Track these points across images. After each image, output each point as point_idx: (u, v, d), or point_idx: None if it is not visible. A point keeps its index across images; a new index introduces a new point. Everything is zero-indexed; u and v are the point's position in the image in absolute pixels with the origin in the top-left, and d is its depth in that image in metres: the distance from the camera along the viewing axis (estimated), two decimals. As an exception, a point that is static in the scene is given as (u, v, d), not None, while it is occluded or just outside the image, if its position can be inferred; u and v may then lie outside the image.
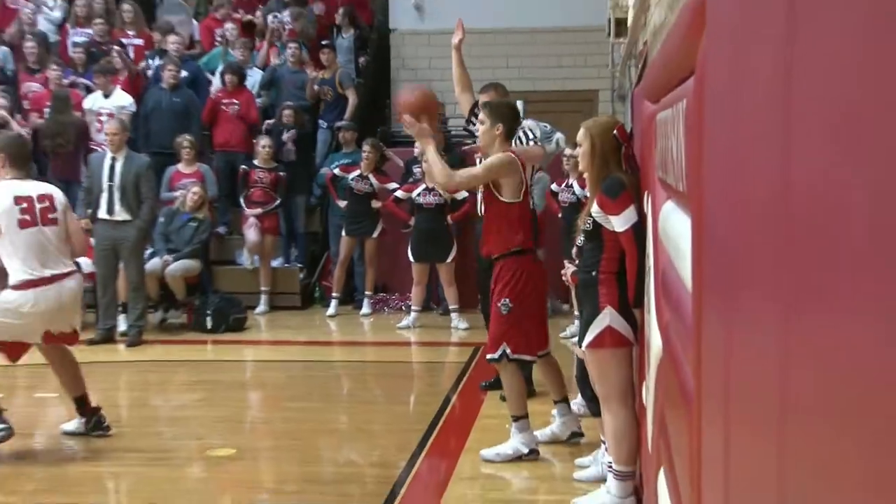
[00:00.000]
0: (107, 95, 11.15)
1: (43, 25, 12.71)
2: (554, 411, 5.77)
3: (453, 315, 9.72)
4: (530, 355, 5.48)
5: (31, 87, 11.67)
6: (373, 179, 10.41)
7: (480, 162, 5.71)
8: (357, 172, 10.46)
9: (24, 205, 5.62)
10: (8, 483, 5.25)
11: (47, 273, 5.64)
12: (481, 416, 6.35)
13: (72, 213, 6.01)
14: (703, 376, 1.93)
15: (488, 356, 5.43)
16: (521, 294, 5.34)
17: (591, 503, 4.56)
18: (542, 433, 5.63)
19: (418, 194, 9.91)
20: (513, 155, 5.40)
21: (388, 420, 6.49)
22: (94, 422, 6.03)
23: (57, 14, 12.88)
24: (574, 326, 7.05)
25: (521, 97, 9.22)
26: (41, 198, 5.72)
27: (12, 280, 5.59)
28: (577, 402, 6.08)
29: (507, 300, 5.30)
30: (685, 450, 2.17)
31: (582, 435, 5.71)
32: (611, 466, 4.53)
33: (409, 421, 6.40)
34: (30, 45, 12.00)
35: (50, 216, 5.72)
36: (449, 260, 9.74)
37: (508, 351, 5.33)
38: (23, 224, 5.60)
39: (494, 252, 5.40)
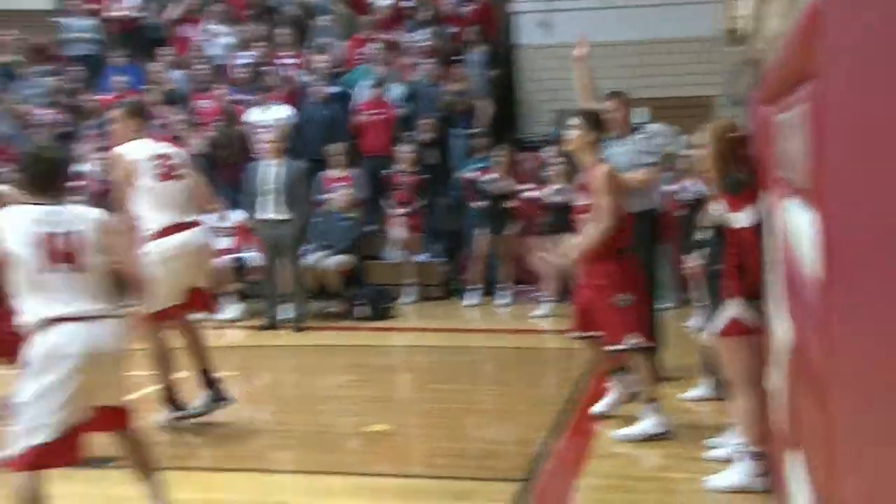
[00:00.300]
0: (267, 110, 11.53)
1: (212, 50, 13.20)
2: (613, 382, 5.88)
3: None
4: (651, 342, 5.51)
5: (202, 104, 12.14)
6: (505, 181, 10.49)
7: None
8: (491, 175, 10.55)
9: (160, 161, 5.72)
10: (196, 452, 5.51)
11: (185, 219, 5.76)
12: (612, 397, 6.34)
13: (193, 171, 6.08)
14: (832, 362, 1.93)
15: (616, 347, 5.44)
16: (632, 288, 5.40)
17: (723, 482, 4.52)
18: (604, 404, 5.77)
19: (547, 194, 9.94)
20: (609, 166, 5.47)
21: (527, 401, 6.54)
22: (214, 393, 6.03)
23: (225, 40, 13.35)
24: (698, 317, 6.97)
25: (643, 104, 9.15)
26: (170, 155, 5.82)
27: (154, 227, 5.60)
28: (702, 387, 6.06)
29: (625, 294, 5.34)
30: (817, 432, 2.16)
31: (639, 392, 5.71)
32: (741, 447, 4.50)
33: (546, 402, 6.42)
34: (201, 68, 12.51)
35: (178, 172, 5.81)
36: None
37: (637, 341, 5.36)
38: (161, 177, 5.70)
39: (596, 252, 5.41)
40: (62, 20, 13.96)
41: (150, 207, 5.65)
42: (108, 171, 5.76)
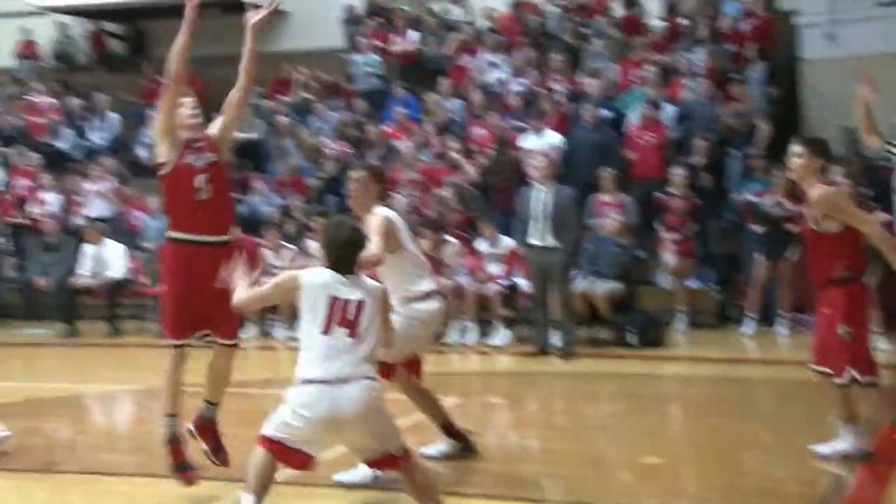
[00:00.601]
0: (539, 135, 11.58)
1: (488, 78, 13.48)
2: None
3: (873, 336, 8.94)
4: (876, 377, 5.16)
5: (477, 132, 12.40)
6: (787, 203, 9.92)
7: None
8: (771, 197, 10.02)
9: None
10: (465, 477, 5.51)
11: (431, 287, 5.60)
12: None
13: None
14: None
15: (837, 381, 5.21)
16: (859, 320, 5.14)
17: None
18: (829, 447, 5.37)
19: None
20: (827, 188, 5.20)
21: (810, 438, 6.04)
22: (462, 444, 5.71)
23: (500, 68, 13.59)
24: None
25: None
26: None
27: (419, 292, 5.41)
28: None
29: (847, 326, 5.09)
30: None
31: (871, 454, 5.24)
32: None
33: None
34: (476, 96, 12.79)
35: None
36: (866, 282, 9.02)
37: (857, 375, 5.09)
38: (415, 243, 5.61)
39: (822, 279, 5.23)
40: (351, 57, 14.77)
41: (414, 271, 5.45)
42: (370, 232, 5.17)
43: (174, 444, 5.04)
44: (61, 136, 14.72)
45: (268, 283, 4.43)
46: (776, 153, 11.06)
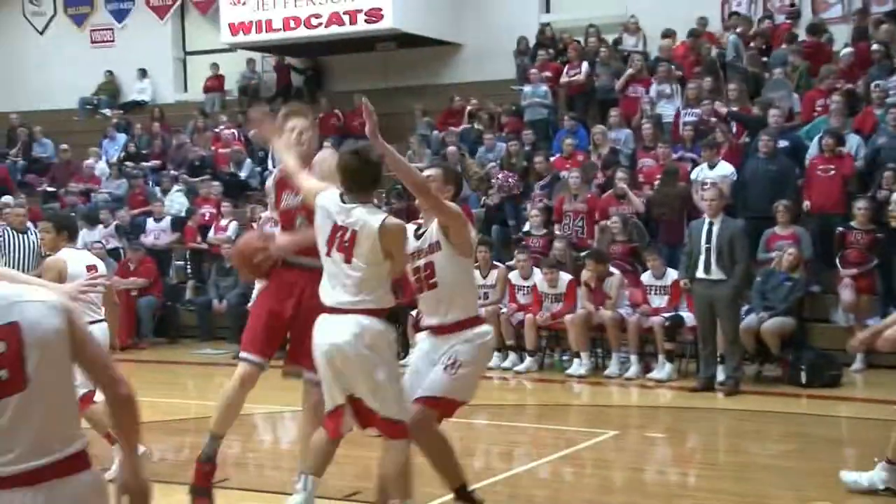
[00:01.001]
0: (711, 167, 11.34)
1: (661, 109, 13.31)
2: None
3: None
4: None
5: (646, 162, 12.26)
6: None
7: None
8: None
9: None
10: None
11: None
12: None
13: None
14: None
15: None
16: None
17: None
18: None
19: None
20: None
21: None
22: None
23: (672, 98, 13.41)
24: None
25: None
26: None
27: (471, 314, 4.68)
28: None
29: None
30: None
31: None
32: None
33: None
34: (646, 127, 12.65)
35: None
36: None
37: None
38: None
39: None
40: (521, 88, 14.91)
41: (469, 290, 4.81)
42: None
43: (204, 464, 4.85)
44: (243, 166, 15.50)
45: (311, 180, 4.58)
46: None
